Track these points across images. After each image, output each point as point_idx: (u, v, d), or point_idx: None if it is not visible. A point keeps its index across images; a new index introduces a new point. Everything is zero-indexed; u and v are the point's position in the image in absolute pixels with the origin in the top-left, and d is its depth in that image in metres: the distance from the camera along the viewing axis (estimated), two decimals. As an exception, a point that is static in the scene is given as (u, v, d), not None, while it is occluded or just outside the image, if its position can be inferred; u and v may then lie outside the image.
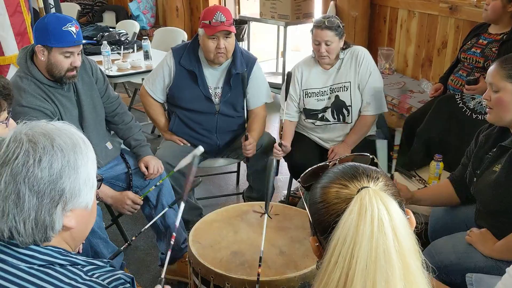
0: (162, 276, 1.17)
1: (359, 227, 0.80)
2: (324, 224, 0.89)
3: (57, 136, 0.93)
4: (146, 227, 1.93)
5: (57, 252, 0.93)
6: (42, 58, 1.99)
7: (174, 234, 1.44)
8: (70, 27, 1.98)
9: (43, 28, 1.97)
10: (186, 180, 1.47)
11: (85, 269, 0.94)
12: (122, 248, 1.84)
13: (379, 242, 0.79)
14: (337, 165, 0.97)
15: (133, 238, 1.91)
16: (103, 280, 0.93)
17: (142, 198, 2.27)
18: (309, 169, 0.99)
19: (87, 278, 0.92)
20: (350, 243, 0.80)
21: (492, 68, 1.72)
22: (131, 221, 2.98)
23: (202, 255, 1.76)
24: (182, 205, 1.40)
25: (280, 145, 2.58)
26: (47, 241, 0.93)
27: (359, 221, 0.80)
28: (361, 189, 0.85)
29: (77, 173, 0.93)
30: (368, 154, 1.01)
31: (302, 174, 1.00)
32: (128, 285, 0.96)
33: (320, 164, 0.99)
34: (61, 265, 0.92)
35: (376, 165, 0.97)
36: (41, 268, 0.90)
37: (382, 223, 0.80)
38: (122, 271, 0.97)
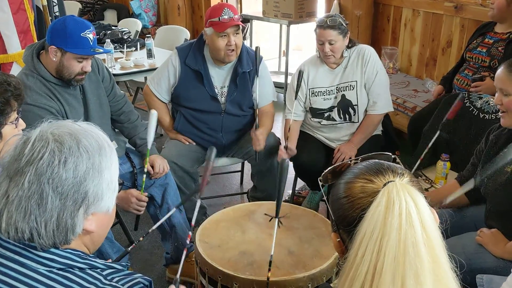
0: (178, 276, 1.16)
1: (387, 220, 0.79)
2: (348, 219, 0.88)
3: (83, 137, 0.92)
4: (153, 228, 1.89)
5: (76, 255, 0.91)
6: (54, 59, 1.96)
7: (190, 233, 1.45)
8: (88, 34, 1.95)
9: (61, 30, 1.93)
10: (203, 175, 1.46)
11: (104, 272, 0.92)
12: (129, 249, 1.81)
13: (407, 234, 0.78)
14: (360, 163, 0.96)
15: (140, 239, 1.85)
16: (123, 285, 0.91)
17: (147, 195, 2.22)
18: (331, 167, 0.98)
19: (107, 282, 0.90)
20: (377, 236, 0.79)
21: (499, 73, 1.72)
22: (135, 221, 2.96)
23: (210, 255, 1.74)
24: (199, 201, 1.41)
25: (286, 147, 2.54)
26: (67, 244, 0.91)
27: (387, 214, 0.79)
28: (388, 183, 0.84)
29: (101, 176, 0.92)
30: (390, 154, 1.00)
31: (324, 172, 0.99)
32: None
33: (343, 162, 0.97)
34: (81, 269, 0.90)
35: (398, 164, 0.96)
36: (60, 272, 0.89)
37: (410, 216, 0.79)
38: (141, 275, 0.96)
